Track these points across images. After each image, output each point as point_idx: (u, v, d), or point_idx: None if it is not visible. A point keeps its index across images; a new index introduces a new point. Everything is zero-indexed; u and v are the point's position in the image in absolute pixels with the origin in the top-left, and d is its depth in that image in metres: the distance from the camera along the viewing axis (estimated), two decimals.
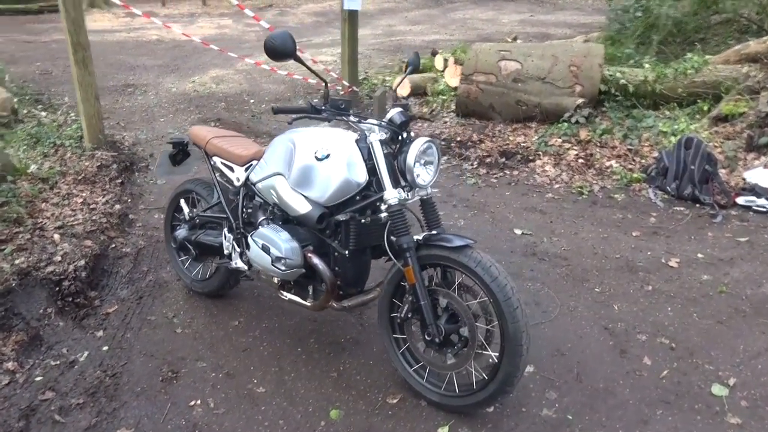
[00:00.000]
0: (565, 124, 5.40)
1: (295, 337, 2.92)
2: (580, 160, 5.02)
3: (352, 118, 2.40)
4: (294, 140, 2.58)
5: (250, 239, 2.61)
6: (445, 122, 6.21)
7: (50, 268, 3.39)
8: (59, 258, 3.50)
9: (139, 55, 11.23)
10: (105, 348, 2.84)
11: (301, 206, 2.49)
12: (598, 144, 5.14)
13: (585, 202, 4.47)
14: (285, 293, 2.71)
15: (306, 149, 2.50)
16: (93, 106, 5.35)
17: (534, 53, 5.74)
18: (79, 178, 4.65)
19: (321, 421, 2.37)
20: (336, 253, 2.52)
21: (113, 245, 3.82)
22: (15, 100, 6.51)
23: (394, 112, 2.42)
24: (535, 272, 3.47)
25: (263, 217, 2.74)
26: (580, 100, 5.43)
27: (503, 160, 5.28)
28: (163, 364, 2.72)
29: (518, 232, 4.00)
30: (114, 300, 3.27)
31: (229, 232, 2.92)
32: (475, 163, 5.34)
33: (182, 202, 3.25)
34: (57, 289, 3.22)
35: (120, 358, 2.77)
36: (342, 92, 7.10)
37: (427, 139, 2.37)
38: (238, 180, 2.88)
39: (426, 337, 2.33)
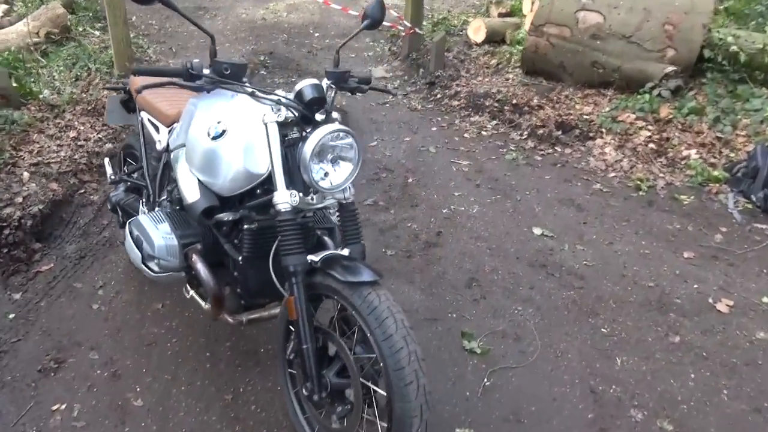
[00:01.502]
0: (646, 95, 4.39)
1: (212, 336, 2.48)
2: (651, 145, 4.05)
3: (246, 88, 1.80)
4: (196, 106, 2.04)
5: (126, 226, 2.15)
6: (507, 79, 5.34)
7: (7, 210, 3.16)
8: (20, 200, 3.26)
9: None
10: (11, 316, 2.56)
11: (190, 192, 1.99)
12: (680, 126, 4.12)
13: (639, 201, 3.59)
14: (189, 288, 2.25)
15: (201, 120, 1.96)
16: (121, 31, 5.07)
17: (622, 4, 4.68)
18: (89, 108, 4.39)
19: None
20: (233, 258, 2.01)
21: (82, 190, 3.53)
22: (69, 16, 6.37)
23: (304, 84, 1.80)
24: (534, 291, 2.76)
25: (164, 198, 2.27)
26: (670, 68, 4.38)
27: (558, 133, 4.41)
28: (54, 348, 2.39)
29: (537, 231, 3.26)
30: (54, 256, 2.99)
31: (145, 205, 2.48)
32: (525, 133, 4.51)
33: (106, 161, 2.84)
34: None
35: (17, 331, 2.47)
36: (403, 33, 6.35)
37: (337, 127, 1.75)
38: (160, 143, 2.40)
39: (304, 390, 1.79)
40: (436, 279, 2.85)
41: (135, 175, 2.68)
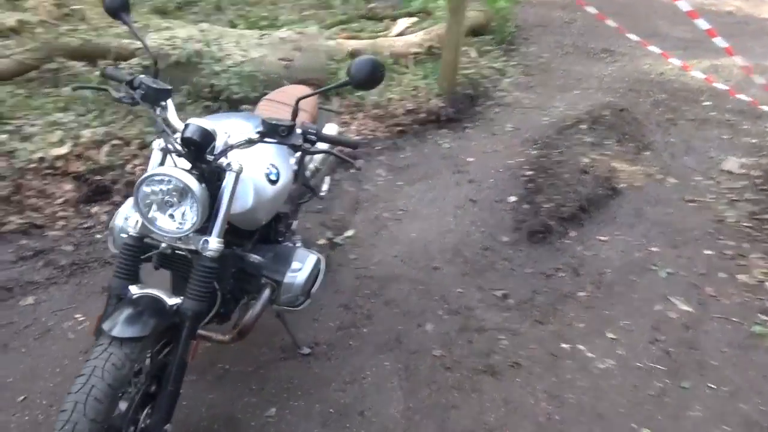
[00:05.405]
0: None
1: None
2: None
3: (158, 111, 1.81)
4: None
5: None
6: None
7: None
8: None
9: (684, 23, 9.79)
10: None
11: None
12: None
13: None
14: None
15: None
16: (451, 54, 5.35)
17: None
18: (371, 114, 4.92)
19: None
20: None
21: None
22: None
23: (191, 121, 1.71)
24: None
25: None
26: None
27: None
28: None
29: None
30: None
31: None
32: None
33: None
34: None
35: None
36: None
37: (163, 172, 1.62)
38: None
39: None
40: None
41: None
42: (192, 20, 6.77)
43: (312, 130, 1.80)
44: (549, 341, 2.71)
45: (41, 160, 3.78)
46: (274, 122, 1.75)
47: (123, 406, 1.66)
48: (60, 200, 3.59)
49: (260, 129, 1.77)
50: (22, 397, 2.25)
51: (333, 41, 5.51)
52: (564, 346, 2.68)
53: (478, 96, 5.79)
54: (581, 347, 2.68)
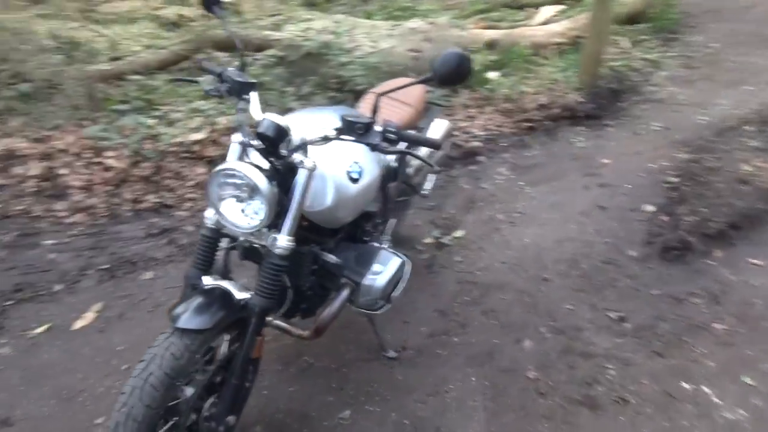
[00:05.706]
0: None
1: None
2: None
3: (240, 105, 1.81)
4: None
5: None
6: None
7: None
8: None
9: None
10: None
11: None
12: None
13: None
14: None
15: None
16: (594, 45, 4.97)
17: None
18: (500, 108, 4.66)
19: None
20: None
21: None
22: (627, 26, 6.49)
23: (267, 116, 1.68)
24: None
25: None
26: None
27: None
28: None
29: None
30: None
31: None
32: None
33: None
34: None
35: None
36: None
37: (233, 167, 1.60)
38: None
39: None
40: None
41: None
42: (338, 12, 6.91)
43: (391, 128, 1.68)
44: (667, 378, 2.35)
45: (180, 144, 4.06)
46: (351, 119, 1.66)
47: (189, 392, 1.69)
48: (191, 183, 3.83)
49: (340, 127, 1.69)
50: (126, 366, 2.41)
51: (465, 31, 5.30)
52: (685, 385, 2.31)
53: (623, 90, 5.27)
54: (707, 390, 2.29)
